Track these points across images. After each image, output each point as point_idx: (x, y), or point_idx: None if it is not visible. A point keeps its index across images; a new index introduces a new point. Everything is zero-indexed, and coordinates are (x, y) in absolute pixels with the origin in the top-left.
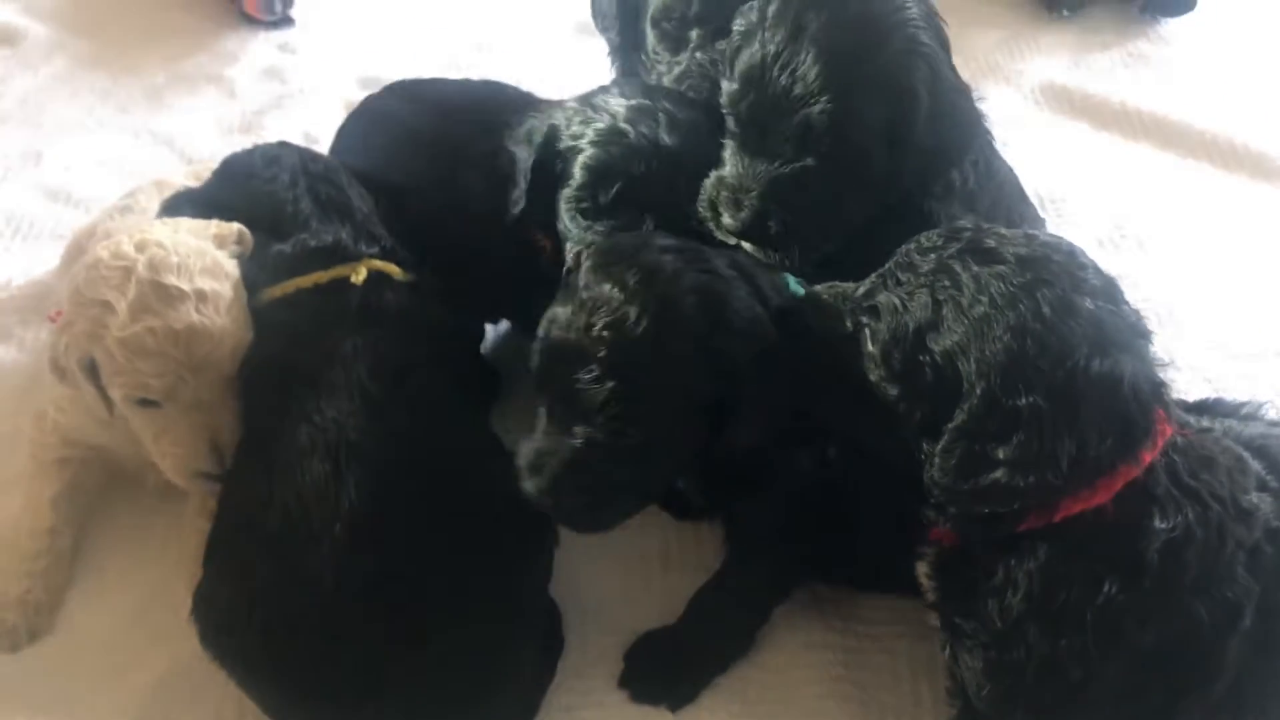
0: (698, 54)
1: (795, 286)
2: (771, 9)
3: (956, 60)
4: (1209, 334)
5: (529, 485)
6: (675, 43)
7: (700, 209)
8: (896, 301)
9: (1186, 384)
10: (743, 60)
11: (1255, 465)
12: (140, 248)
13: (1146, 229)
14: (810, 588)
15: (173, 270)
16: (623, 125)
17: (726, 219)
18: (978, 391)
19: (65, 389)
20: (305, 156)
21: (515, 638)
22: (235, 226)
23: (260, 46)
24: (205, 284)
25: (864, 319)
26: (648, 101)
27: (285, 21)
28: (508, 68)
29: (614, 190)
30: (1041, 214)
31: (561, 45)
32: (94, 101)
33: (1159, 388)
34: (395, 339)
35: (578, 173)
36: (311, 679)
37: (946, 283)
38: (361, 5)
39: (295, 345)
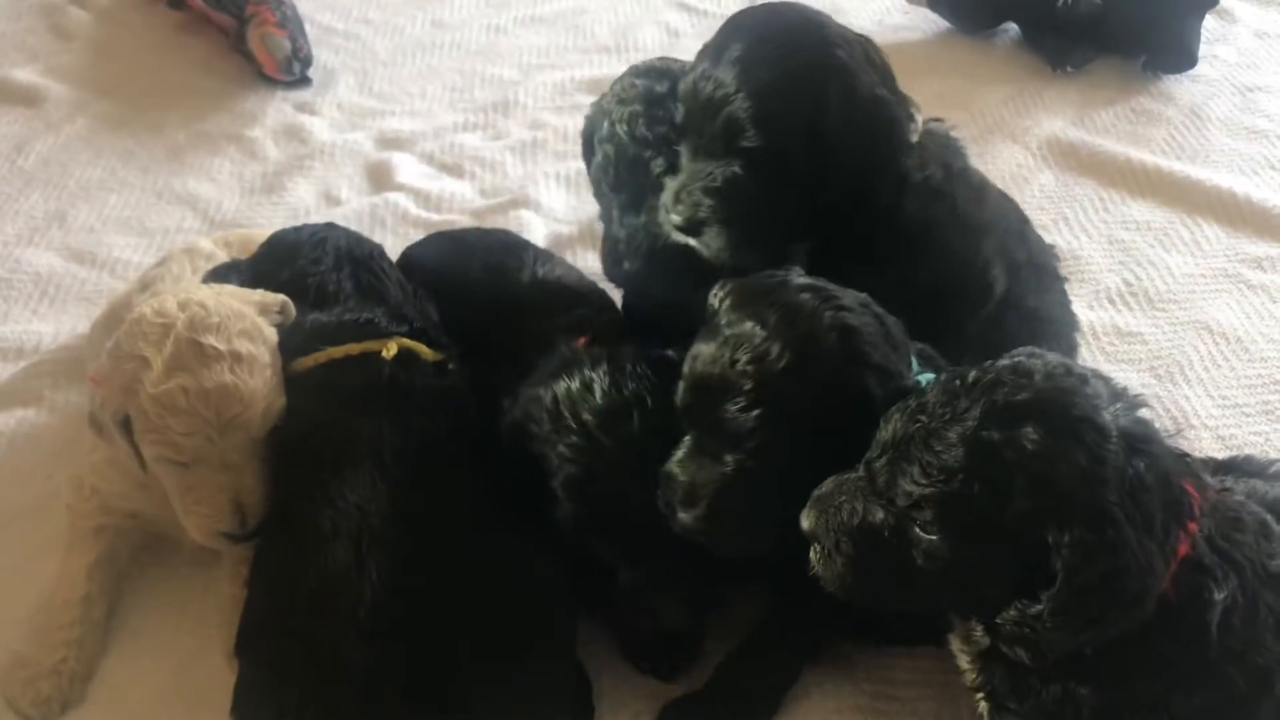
0: (624, 220)
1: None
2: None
3: (962, 116)
4: (1221, 392)
5: (685, 517)
6: (607, 209)
7: (661, 213)
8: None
9: (1200, 442)
10: (681, 85)
11: (1278, 528)
12: (183, 306)
13: (1155, 286)
14: (838, 649)
15: (212, 330)
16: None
17: (674, 216)
18: (1066, 543)
19: (103, 453)
20: (351, 240)
21: (546, 711)
22: (279, 297)
23: (279, 106)
24: (242, 346)
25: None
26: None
27: (303, 82)
28: (524, 128)
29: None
30: None
31: (579, 101)
32: (116, 162)
33: (1181, 459)
34: (421, 418)
35: (561, 494)
36: None
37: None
38: (379, 66)
39: (323, 420)
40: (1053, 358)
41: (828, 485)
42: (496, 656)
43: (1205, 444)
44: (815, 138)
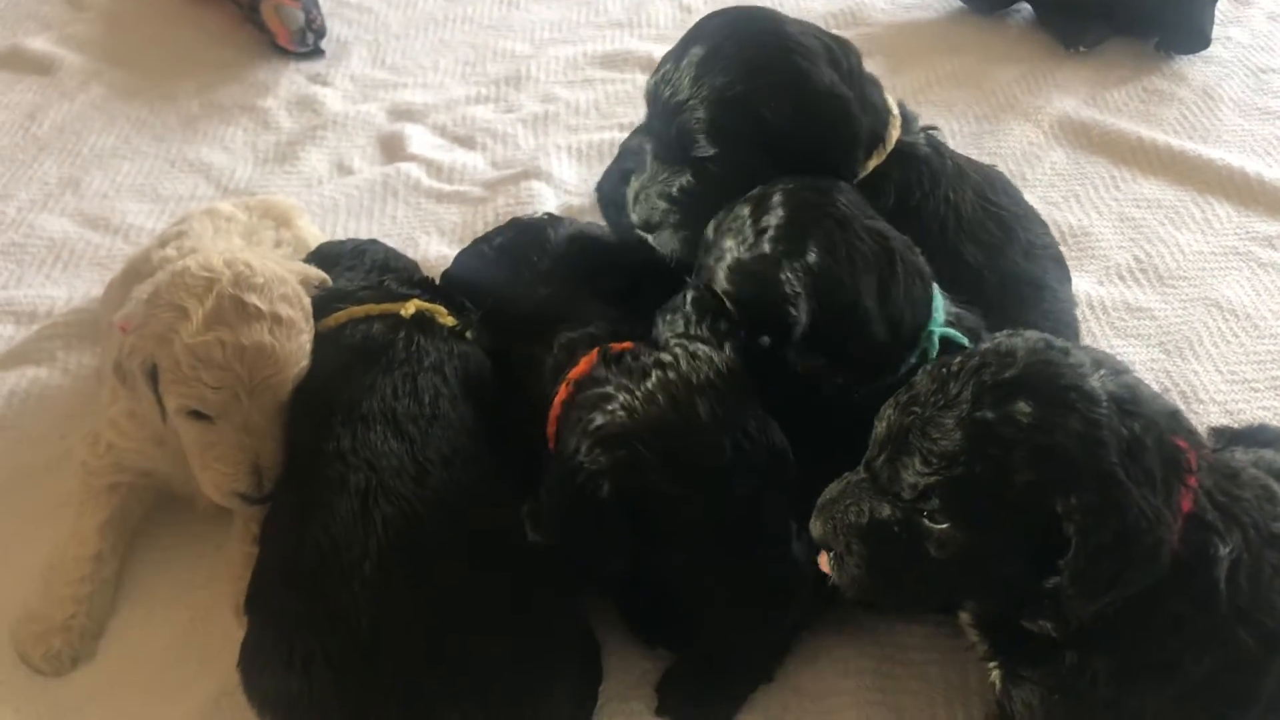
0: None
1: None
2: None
3: (974, 94)
4: (1230, 367)
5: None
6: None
7: (628, 204)
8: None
9: (1208, 417)
10: (646, 83)
11: None
12: (229, 264)
13: (1166, 262)
14: (846, 612)
15: (256, 290)
16: None
17: (633, 215)
18: (1075, 507)
19: (122, 406)
20: (389, 254)
21: (551, 665)
22: (319, 272)
23: (292, 77)
24: (283, 309)
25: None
26: None
27: (316, 53)
28: (536, 101)
29: None
30: (1063, 248)
31: (591, 75)
32: (130, 130)
33: (1173, 415)
34: (435, 378)
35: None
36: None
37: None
38: (391, 38)
39: (338, 376)
40: (1032, 334)
41: (832, 490)
42: (501, 613)
43: (1214, 419)
44: (768, 146)
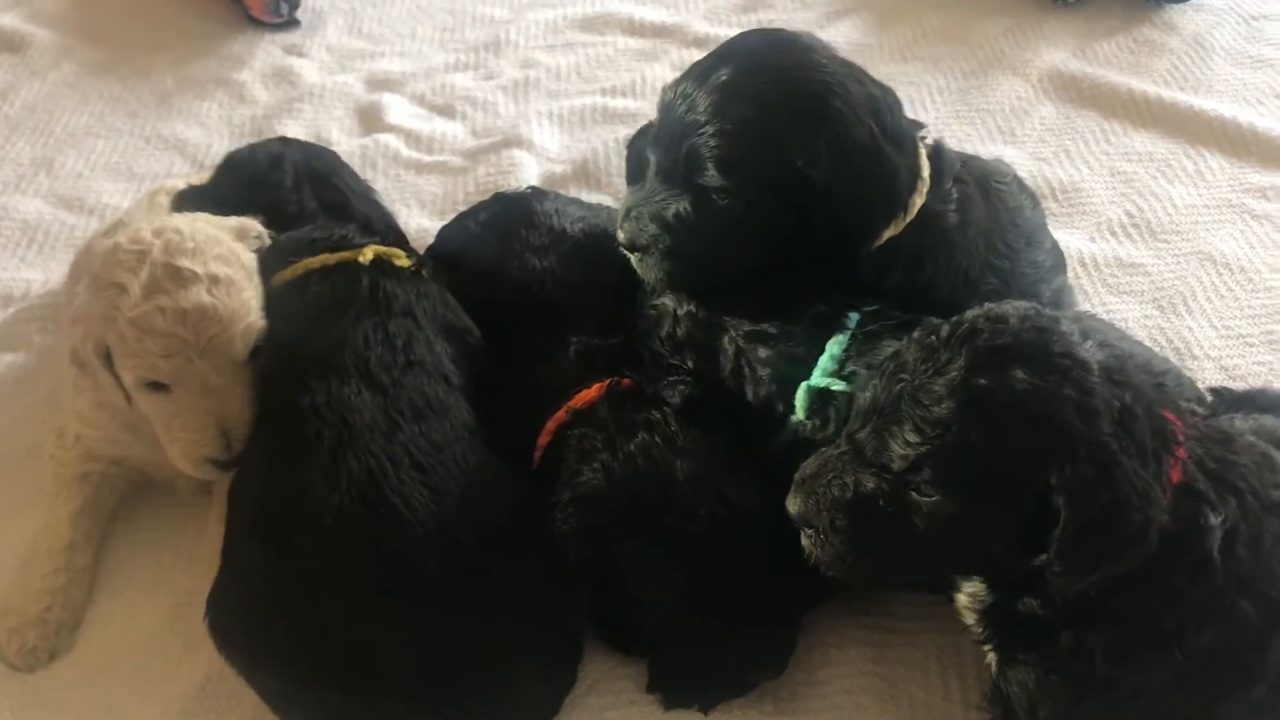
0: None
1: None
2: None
3: (962, 49)
4: (1224, 322)
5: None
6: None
7: (618, 218)
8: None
9: (1202, 373)
10: (660, 94)
11: None
12: (158, 233)
13: (1158, 217)
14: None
15: (187, 254)
16: None
17: (620, 233)
18: (1069, 477)
19: (88, 398)
20: (309, 154)
21: (515, 625)
22: (255, 224)
23: (268, 49)
24: (218, 269)
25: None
26: None
27: (291, 24)
28: (516, 67)
29: None
30: (1053, 204)
31: (572, 39)
32: (104, 108)
33: (1159, 387)
34: (405, 320)
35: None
36: (312, 672)
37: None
38: (367, 6)
39: (305, 330)
40: (1020, 303)
41: (810, 465)
42: (461, 574)
43: (1208, 374)
44: (784, 189)
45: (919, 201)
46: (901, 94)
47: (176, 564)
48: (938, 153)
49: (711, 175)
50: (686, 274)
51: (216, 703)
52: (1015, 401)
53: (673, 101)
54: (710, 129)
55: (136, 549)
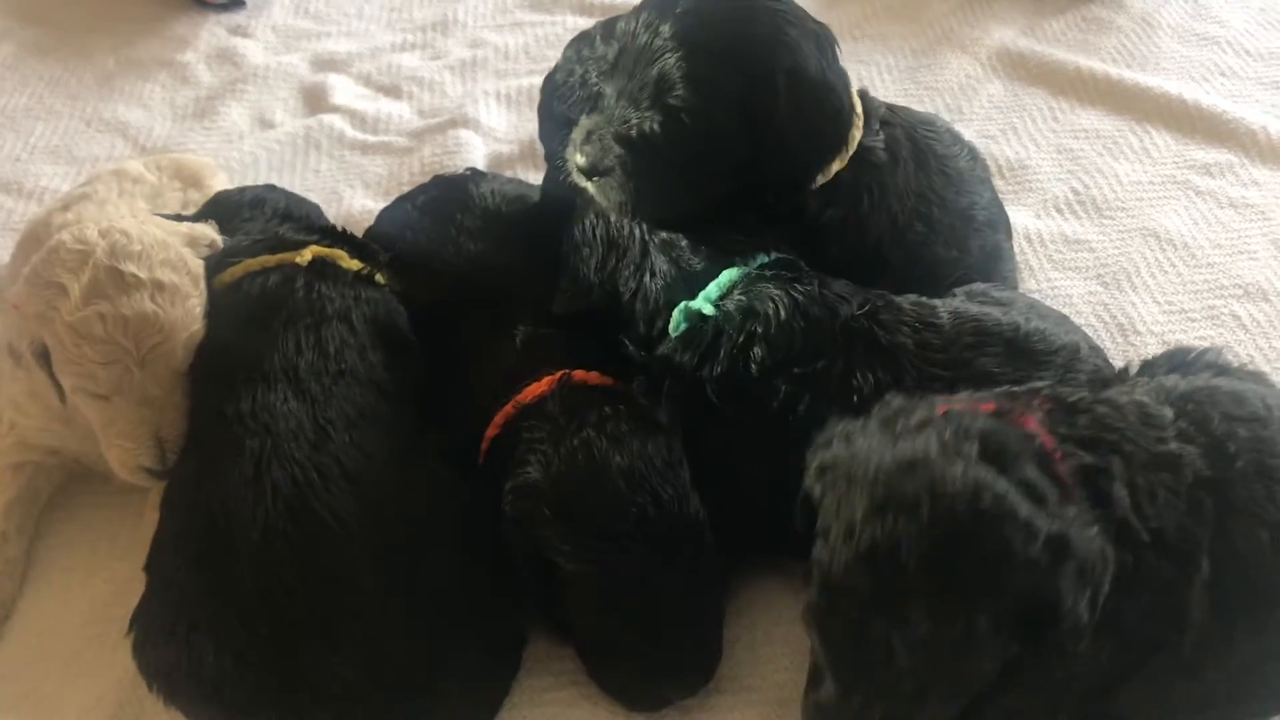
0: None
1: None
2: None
3: (911, 27)
4: (1167, 298)
5: None
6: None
7: (569, 149)
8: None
9: (1145, 349)
10: (620, 24)
11: (1169, 415)
12: (104, 234)
13: (1104, 193)
14: (778, 563)
15: (132, 258)
16: None
17: (579, 157)
18: None
19: (22, 386)
20: (291, 200)
21: (445, 634)
22: (206, 229)
23: (212, 30)
24: (164, 275)
25: None
26: None
27: (236, 4)
28: (464, 47)
29: None
30: (1000, 181)
31: (520, 19)
32: (43, 89)
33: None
34: (341, 327)
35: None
36: (238, 703)
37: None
38: None
39: (237, 334)
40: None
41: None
42: (392, 582)
43: (1151, 350)
44: (748, 113)
45: (857, 136)
46: (851, 72)
47: (114, 551)
48: (864, 95)
49: (681, 94)
50: (648, 198)
51: (149, 695)
52: None
53: (635, 30)
54: (681, 51)
55: (72, 534)
